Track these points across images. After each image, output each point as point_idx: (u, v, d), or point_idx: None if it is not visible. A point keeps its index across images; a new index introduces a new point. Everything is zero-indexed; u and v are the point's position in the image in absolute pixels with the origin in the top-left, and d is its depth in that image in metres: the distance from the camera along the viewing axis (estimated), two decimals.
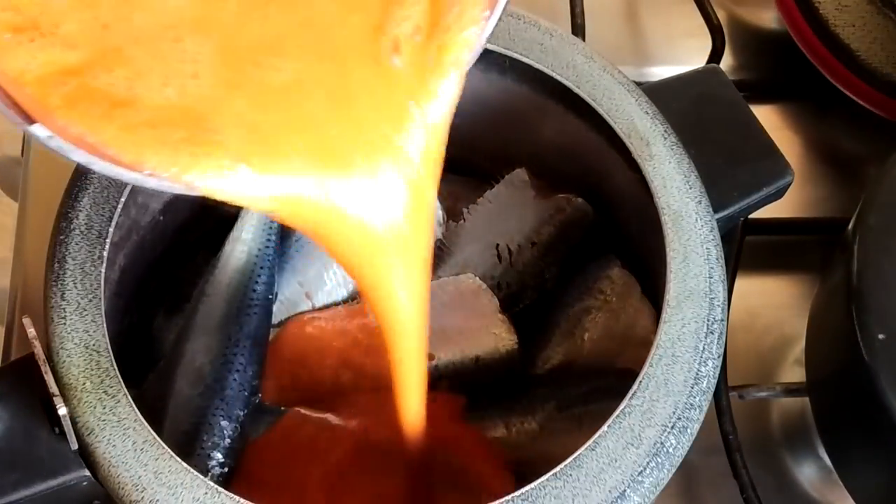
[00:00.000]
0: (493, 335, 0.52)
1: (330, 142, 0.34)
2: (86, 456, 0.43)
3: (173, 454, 0.42)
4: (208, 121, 0.33)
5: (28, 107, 0.33)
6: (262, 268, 0.52)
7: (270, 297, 0.52)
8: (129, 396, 0.43)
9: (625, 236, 0.54)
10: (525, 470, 0.48)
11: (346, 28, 0.35)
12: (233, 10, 0.35)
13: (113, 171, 0.34)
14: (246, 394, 0.50)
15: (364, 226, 0.35)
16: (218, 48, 0.34)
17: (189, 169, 0.33)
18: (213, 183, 0.33)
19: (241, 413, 0.49)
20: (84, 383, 0.43)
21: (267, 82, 0.34)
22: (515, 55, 0.51)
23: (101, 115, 0.33)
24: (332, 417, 0.50)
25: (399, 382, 0.43)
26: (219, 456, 0.48)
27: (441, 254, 0.55)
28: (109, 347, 0.44)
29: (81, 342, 0.44)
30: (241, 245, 0.52)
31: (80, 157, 0.33)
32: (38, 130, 0.33)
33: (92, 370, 0.44)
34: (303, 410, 0.50)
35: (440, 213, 0.56)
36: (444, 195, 0.56)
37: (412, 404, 0.44)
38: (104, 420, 0.43)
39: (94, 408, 0.43)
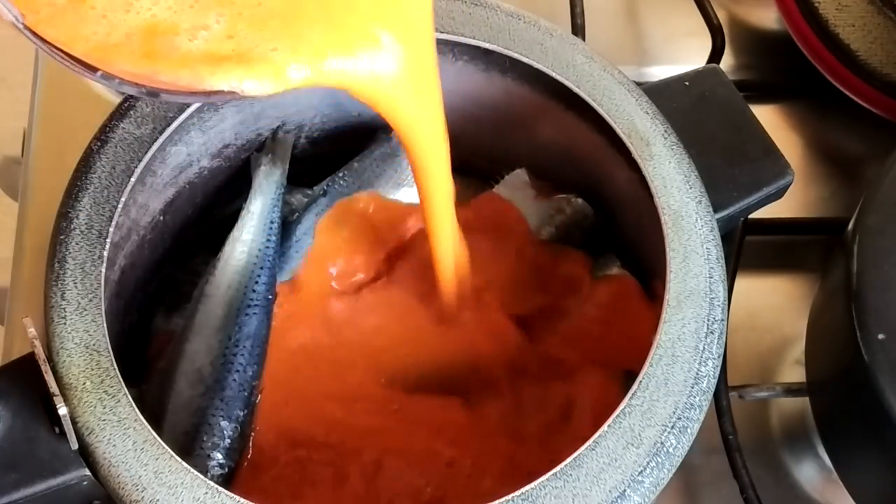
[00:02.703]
0: None
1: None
2: (86, 456, 0.43)
3: (173, 454, 0.42)
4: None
5: (88, 56, 0.36)
6: (261, 268, 0.52)
7: (270, 297, 0.52)
8: (129, 396, 0.43)
9: (625, 236, 0.54)
10: None
11: None
12: None
13: (178, 99, 0.39)
14: (246, 394, 0.50)
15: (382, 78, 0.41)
16: None
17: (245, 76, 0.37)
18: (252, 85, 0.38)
19: (241, 413, 0.50)
20: (84, 383, 0.43)
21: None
22: (515, 55, 0.51)
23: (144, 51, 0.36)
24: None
25: (433, 230, 0.49)
26: (219, 456, 0.48)
27: None
28: (109, 347, 0.44)
29: (81, 342, 0.44)
30: (242, 245, 0.52)
31: (143, 91, 0.37)
32: (102, 79, 0.36)
33: (92, 370, 0.44)
34: None
35: None
36: None
37: (446, 251, 0.50)
38: (104, 420, 0.43)
39: (95, 407, 0.43)
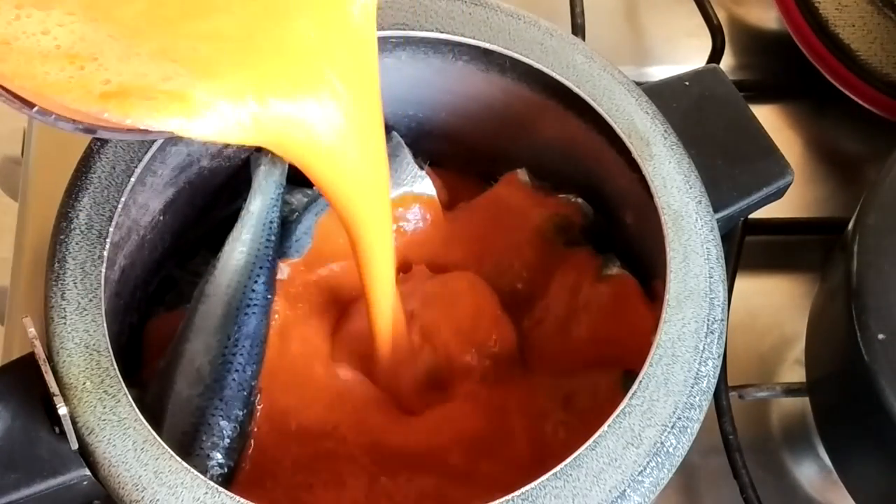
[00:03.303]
0: None
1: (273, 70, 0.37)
2: (86, 455, 0.43)
3: (173, 454, 0.42)
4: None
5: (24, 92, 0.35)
6: (261, 268, 0.52)
7: (269, 296, 0.52)
8: (129, 396, 0.43)
9: (625, 236, 0.54)
10: None
11: None
12: None
13: (114, 136, 0.37)
14: (245, 394, 0.50)
15: (317, 135, 0.38)
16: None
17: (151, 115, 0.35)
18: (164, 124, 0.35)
19: (241, 413, 0.49)
20: (84, 383, 0.43)
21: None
22: (515, 55, 0.51)
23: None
24: None
25: (372, 298, 0.47)
26: (218, 456, 0.48)
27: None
28: (110, 347, 0.44)
29: (82, 342, 0.44)
30: (241, 245, 0.52)
31: (79, 128, 0.36)
32: (38, 114, 0.35)
33: (92, 370, 0.44)
34: None
35: (430, 184, 0.55)
36: (441, 188, 0.56)
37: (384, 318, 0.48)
38: (104, 420, 0.43)
39: (95, 407, 0.43)
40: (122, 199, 0.47)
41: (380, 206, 0.44)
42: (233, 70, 0.36)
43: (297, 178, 0.55)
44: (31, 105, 0.35)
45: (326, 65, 0.38)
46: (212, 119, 0.35)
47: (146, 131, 0.36)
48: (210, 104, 0.35)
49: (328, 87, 0.38)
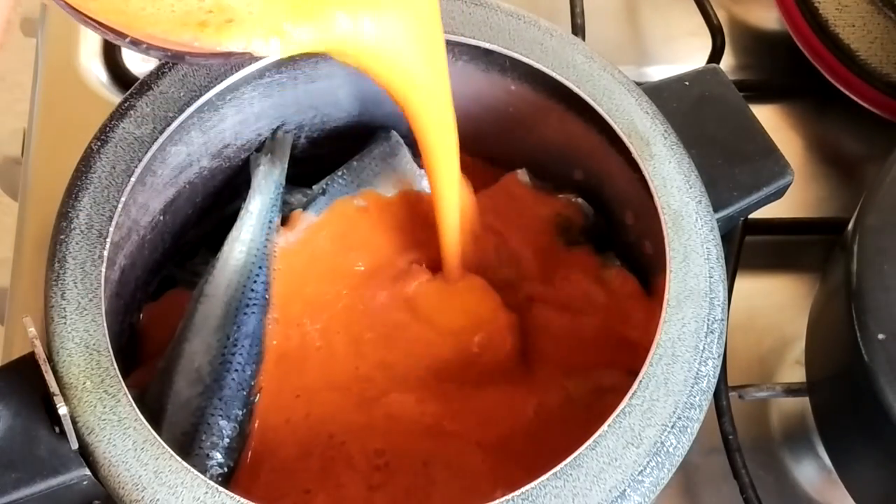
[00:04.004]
0: None
1: None
2: (86, 455, 0.43)
3: (173, 454, 0.42)
4: None
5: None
6: (260, 267, 0.52)
7: (268, 296, 0.52)
8: (129, 396, 0.43)
9: (625, 236, 0.54)
10: None
11: None
12: None
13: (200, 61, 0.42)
14: (244, 393, 0.50)
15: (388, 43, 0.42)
16: None
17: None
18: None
19: (240, 413, 0.50)
20: (84, 383, 0.43)
21: None
22: (516, 55, 0.51)
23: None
24: None
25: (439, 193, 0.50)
26: (218, 456, 0.48)
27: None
28: (110, 347, 0.44)
29: (82, 341, 0.44)
30: (240, 245, 0.52)
31: (168, 55, 0.39)
32: (131, 44, 0.38)
33: (92, 369, 0.44)
34: None
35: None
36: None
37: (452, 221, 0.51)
38: (104, 419, 0.43)
39: (95, 407, 0.43)
40: (122, 199, 0.47)
41: (445, 110, 0.47)
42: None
43: (296, 178, 0.55)
44: (123, 36, 0.38)
45: None
46: (299, 38, 0.40)
47: (230, 54, 0.38)
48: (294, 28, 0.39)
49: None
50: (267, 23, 0.38)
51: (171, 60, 0.40)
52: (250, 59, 0.41)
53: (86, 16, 0.37)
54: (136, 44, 0.38)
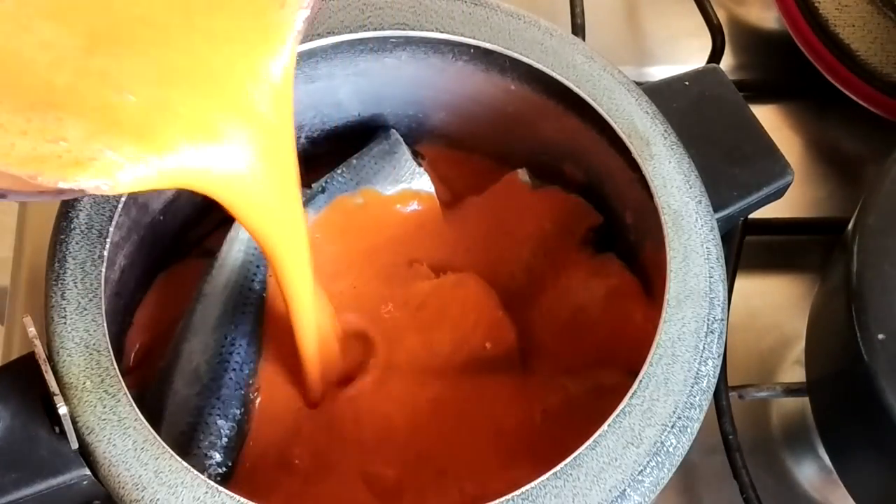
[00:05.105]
0: None
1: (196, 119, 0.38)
2: (86, 455, 0.43)
3: (173, 453, 0.42)
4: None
5: None
6: (258, 266, 0.52)
7: (266, 295, 0.52)
8: (129, 396, 0.43)
9: (625, 236, 0.54)
10: None
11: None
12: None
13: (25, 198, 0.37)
14: (242, 392, 0.50)
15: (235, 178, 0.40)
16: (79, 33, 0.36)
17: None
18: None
19: (238, 412, 0.50)
20: (84, 382, 0.43)
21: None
22: (515, 55, 0.51)
23: None
24: None
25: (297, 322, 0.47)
26: (217, 455, 0.49)
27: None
28: (110, 347, 0.44)
29: (82, 341, 0.44)
30: (239, 245, 0.52)
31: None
32: None
33: (92, 369, 0.44)
34: None
35: (428, 181, 0.55)
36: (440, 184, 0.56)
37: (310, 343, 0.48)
38: (104, 419, 0.43)
39: (95, 407, 0.43)
40: (122, 198, 0.47)
41: (296, 240, 0.44)
42: (141, 128, 0.37)
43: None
44: None
45: (237, 115, 0.39)
46: (125, 178, 0.36)
47: (60, 191, 0.35)
48: (121, 165, 0.36)
49: (236, 138, 0.39)
50: (98, 161, 0.35)
51: None
52: (83, 195, 0.38)
53: None
54: None
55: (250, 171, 0.39)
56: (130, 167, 0.36)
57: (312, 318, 0.48)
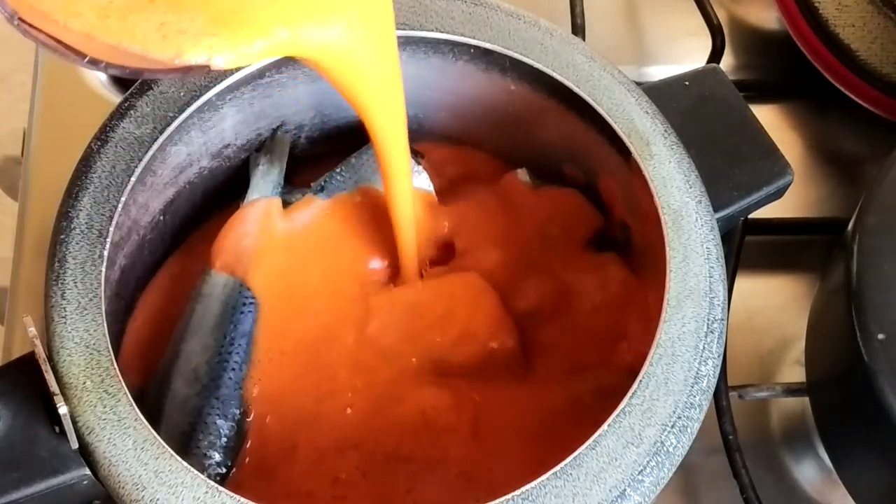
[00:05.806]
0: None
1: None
2: (86, 455, 0.43)
3: (173, 453, 0.42)
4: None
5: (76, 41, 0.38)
6: None
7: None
8: (129, 396, 0.43)
9: (625, 236, 0.54)
10: None
11: None
12: None
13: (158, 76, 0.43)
14: (241, 392, 0.50)
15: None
16: None
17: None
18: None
19: (237, 412, 0.50)
20: (84, 382, 0.43)
21: None
22: (515, 55, 0.51)
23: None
24: None
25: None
26: (216, 455, 0.48)
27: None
28: (110, 347, 0.44)
29: (82, 341, 0.44)
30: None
31: (126, 72, 0.39)
32: (90, 63, 0.38)
33: (92, 369, 0.44)
34: None
35: (427, 179, 0.55)
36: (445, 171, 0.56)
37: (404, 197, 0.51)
38: (104, 419, 0.43)
39: (95, 407, 0.43)
40: (122, 198, 0.47)
41: (396, 113, 0.48)
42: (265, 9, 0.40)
43: (294, 178, 0.55)
44: (82, 56, 0.38)
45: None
46: (250, 50, 0.40)
47: (189, 68, 0.38)
48: (249, 39, 0.39)
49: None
50: (214, 33, 0.38)
51: (129, 77, 0.40)
52: (207, 72, 0.41)
53: (47, 35, 0.38)
54: (94, 63, 0.38)
55: (362, 36, 0.43)
56: (262, 42, 0.40)
57: (409, 187, 0.51)
